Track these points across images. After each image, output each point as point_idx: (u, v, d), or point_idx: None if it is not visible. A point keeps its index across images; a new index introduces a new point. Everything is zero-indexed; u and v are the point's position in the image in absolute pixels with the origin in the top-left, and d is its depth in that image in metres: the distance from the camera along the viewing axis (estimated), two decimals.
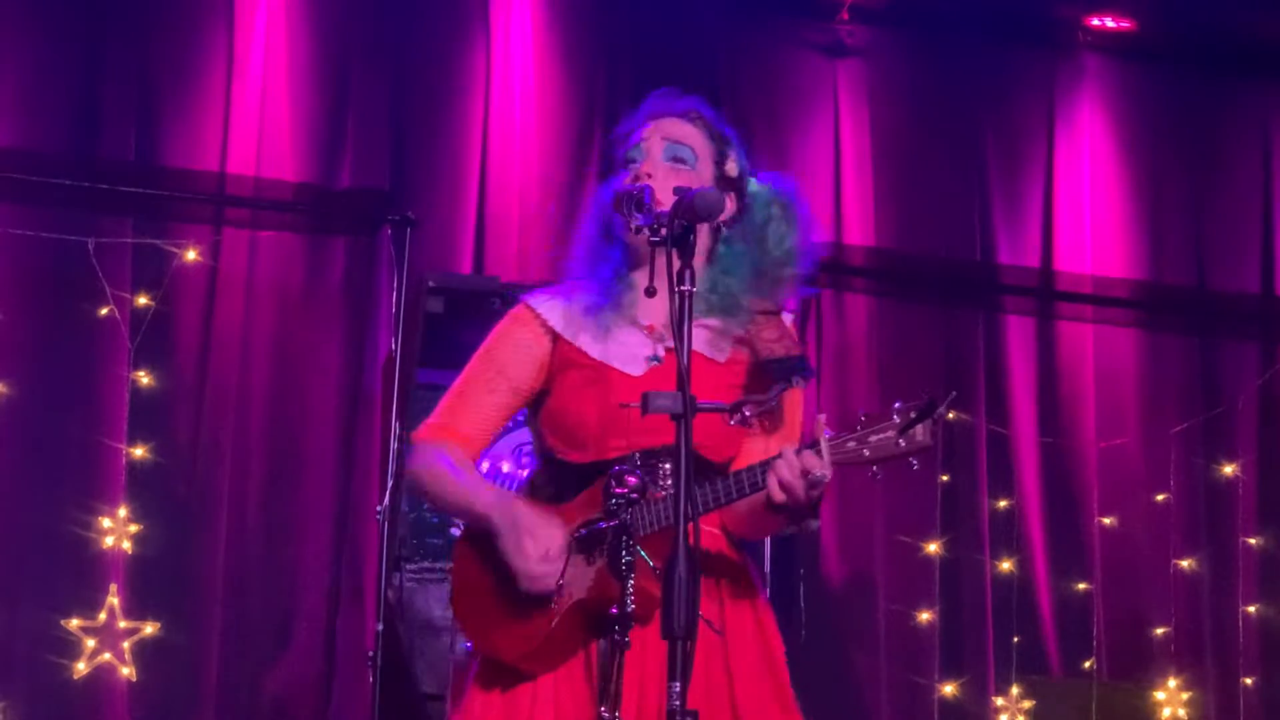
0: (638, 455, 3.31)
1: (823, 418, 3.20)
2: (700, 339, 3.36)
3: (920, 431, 3.14)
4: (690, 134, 3.54)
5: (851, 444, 3.16)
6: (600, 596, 3.20)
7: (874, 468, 3.19)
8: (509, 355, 3.52)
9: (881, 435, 3.15)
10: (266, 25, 6.54)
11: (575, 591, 3.26)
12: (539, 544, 3.23)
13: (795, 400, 3.49)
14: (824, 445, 3.16)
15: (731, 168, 3.57)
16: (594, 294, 3.49)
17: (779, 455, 3.17)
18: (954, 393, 3.22)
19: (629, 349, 3.45)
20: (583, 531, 3.22)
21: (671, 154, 3.50)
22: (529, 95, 6.84)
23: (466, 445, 3.52)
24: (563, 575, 3.24)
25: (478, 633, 3.38)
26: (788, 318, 3.55)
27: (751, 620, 3.42)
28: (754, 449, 3.40)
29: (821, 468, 3.14)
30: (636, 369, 3.43)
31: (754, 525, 3.43)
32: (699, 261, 3.20)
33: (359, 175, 6.56)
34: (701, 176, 3.49)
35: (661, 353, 3.44)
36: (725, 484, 3.24)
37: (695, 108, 3.58)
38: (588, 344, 3.46)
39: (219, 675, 6.10)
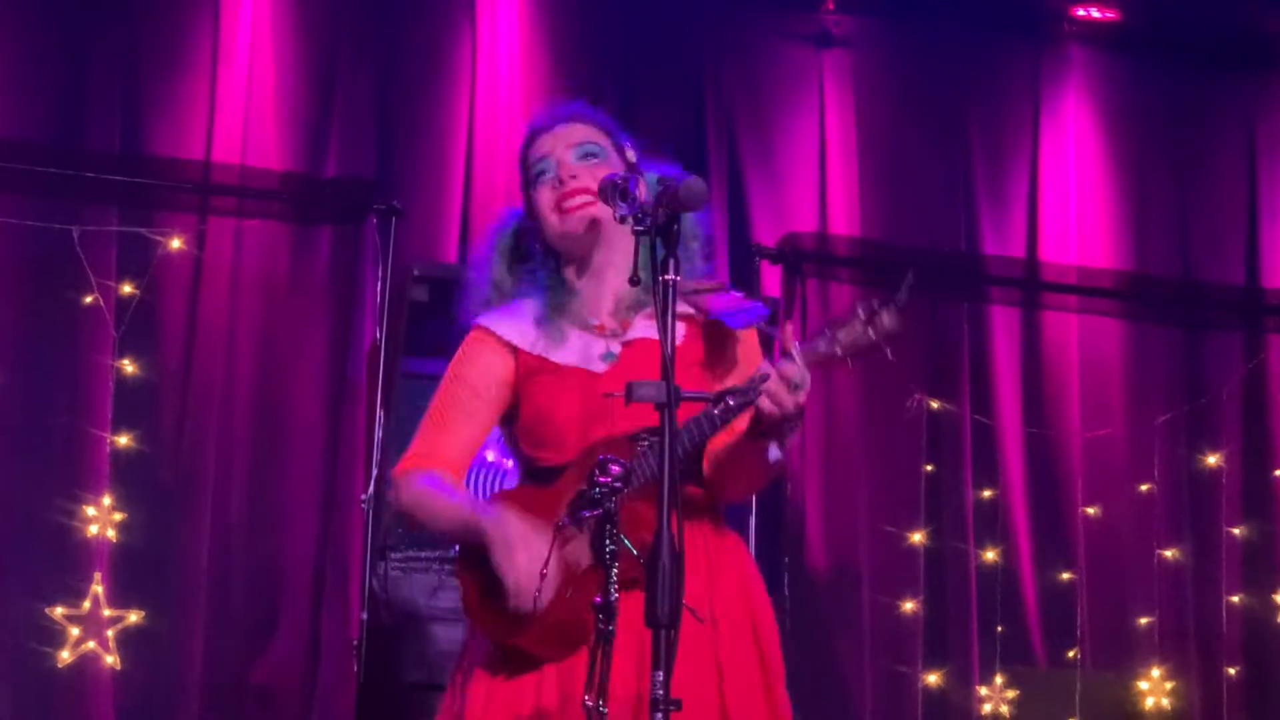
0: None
1: (790, 327, 3.25)
2: (648, 326, 3.47)
3: (886, 318, 3.21)
4: (588, 133, 3.64)
5: (823, 345, 3.22)
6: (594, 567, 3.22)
7: (849, 362, 3.24)
8: (478, 376, 3.59)
9: (849, 331, 3.22)
10: (252, 13, 6.53)
11: (580, 564, 3.29)
12: (532, 558, 3.26)
13: (752, 341, 3.57)
14: (797, 352, 3.20)
15: (631, 154, 3.66)
16: (539, 305, 3.58)
17: (761, 374, 3.21)
18: (912, 278, 3.25)
19: (585, 349, 3.52)
20: (565, 521, 3.23)
21: (582, 153, 3.60)
22: (514, 85, 6.84)
23: (451, 470, 3.58)
24: (540, 589, 3.25)
25: (490, 624, 3.39)
26: (737, 294, 3.59)
27: (743, 607, 3.43)
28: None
29: (800, 371, 3.18)
30: (598, 368, 3.50)
31: (738, 466, 3.44)
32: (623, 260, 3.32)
33: (345, 164, 6.56)
34: (614, 165, 3.58)
35: (617, 349, 3.52)
36: (710, 413, 3.27)
37: (578, 110, 3.69)
38: (546, 351, 3.53)
39: (203, 663, 6.09)
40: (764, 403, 3.20)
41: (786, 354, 3.22)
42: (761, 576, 3.59)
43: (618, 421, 3.36)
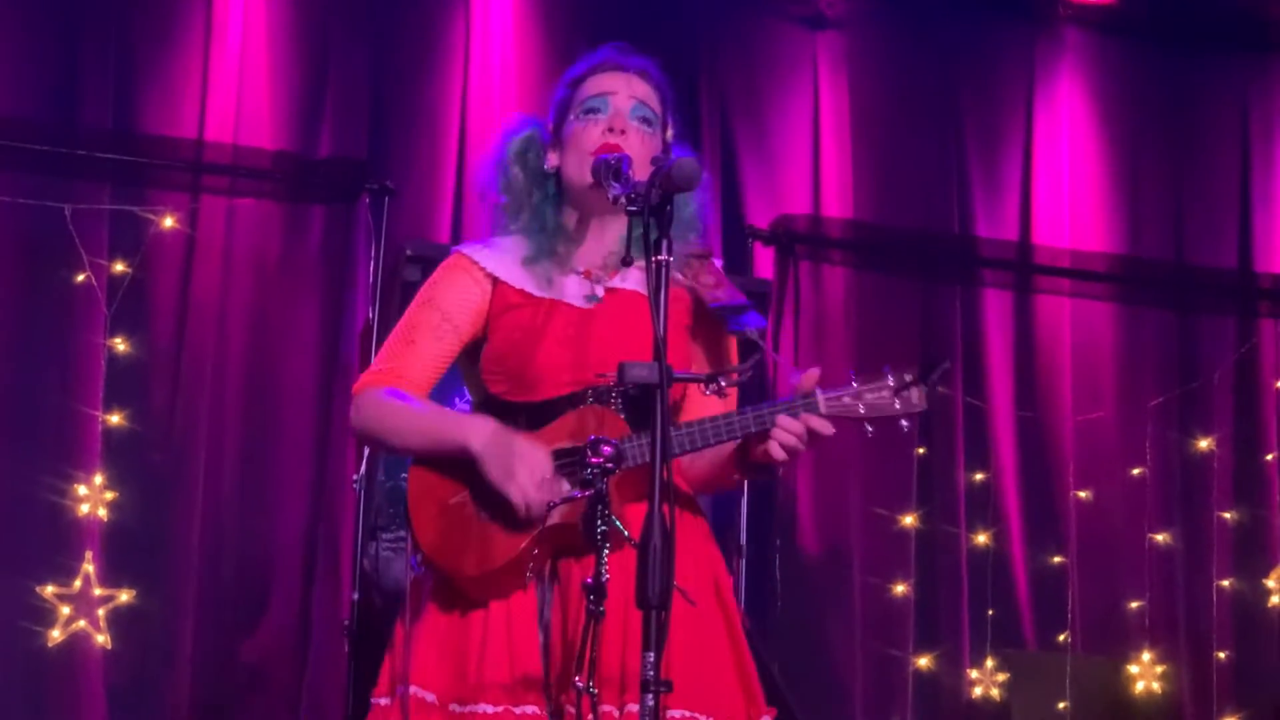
0: (590, 392, 3.33)
1: (816, 372, 3.24)
2: (637, 279, 3.43)
3: (915, 395, 3.25)
4: (650, 95, 3.58)
5: (848, 399, 3.25)
6: (563, 524, 3.23)
7: (867, 425, 3.26)
8: (451, 301, 3.52)
9: (877, 395, 3.26)
10: None
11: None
12: (532, 470, 3.23)
13: (732, 344, 3.56)
14: (820, 400, 3.22)
15: (670, 132, 3.61)
16: (528, 247, 3.51)
17: (774, 415, 3.21)
18: (948, 363, 3.28)
19: (569, 288, 3.48)
20: (557, 502, 3.22)
21: (639, 114, 3.53)
22: (508, 64, 6.83)
23: (414, 390, 3.49)
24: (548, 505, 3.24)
25: (435, 550, 3.35)
26: (717, 262, 3.57)
27: (708, 582, 3.42)
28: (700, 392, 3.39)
29: (827, 428, 3.23)
30: (580, 304, 3.46)
31: (715, 480, 3.46)
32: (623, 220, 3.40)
33: (338, 144, 6.55)
34: (659, 140, 3.55)
35: (600, 292, 3.48)
36: (715, 427, 3.26)
37: (650, 67, 3.62)
38: (529, 286, 3.48)
39: (194, 643, 6.09)
40: (776, 450, 3.22)
41: (809, 398, 3.24)
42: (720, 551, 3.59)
43: (584, 367, 3.35)
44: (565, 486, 3.25)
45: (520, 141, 3.63)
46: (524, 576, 3.29)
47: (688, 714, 3.25)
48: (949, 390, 7.18)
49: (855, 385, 3.24)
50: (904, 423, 3.27)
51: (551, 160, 3.58)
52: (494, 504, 3.29)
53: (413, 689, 3.31)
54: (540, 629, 3.25)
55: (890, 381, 3.24)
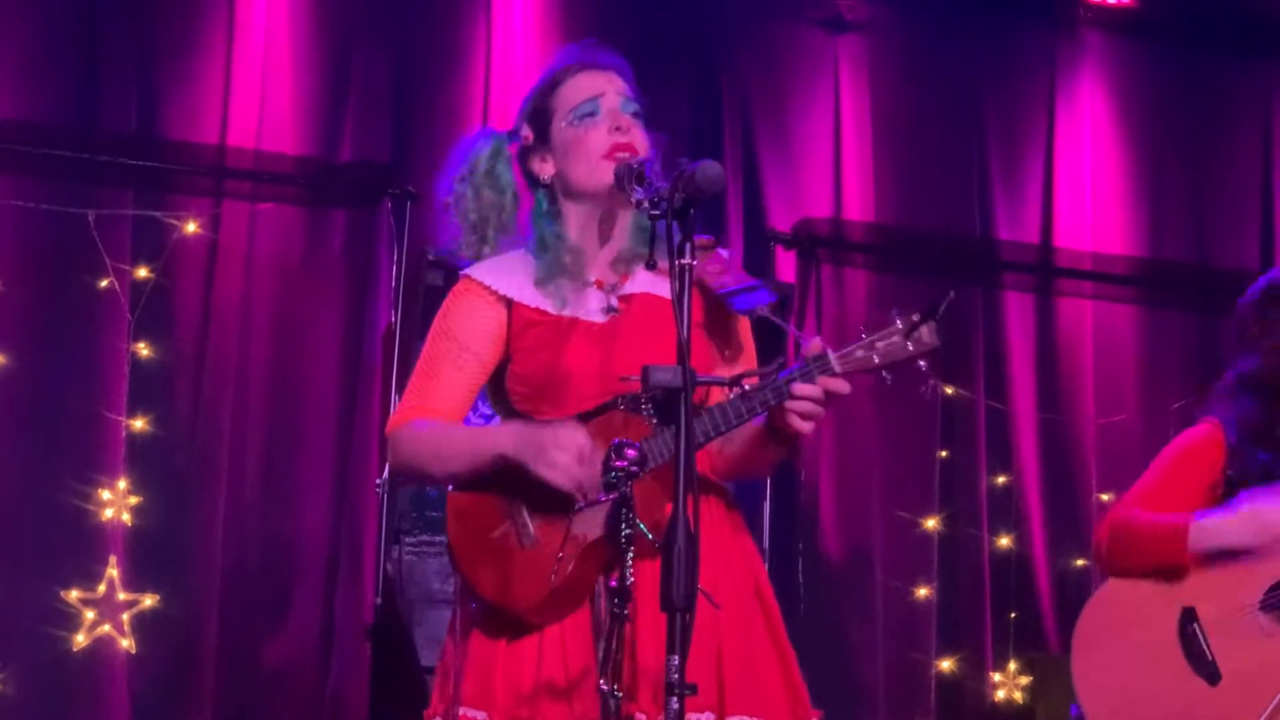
0: (620, 401, 3.31)
1: (819, 340, 3.24)
2: (648, 280, 3.42)
3: (926, 333, 3.24)
4: (630, 90, 3.57)
5: (860, 352, 3.23)
6: (606, 538, 3.21)
7: (884, 373, 3.26)
8: (468, 330, 3.50)
9: (888, 340, 3.23)
10: None
11: (585, 536, 3.26)
12: (568, 452, 3.21)
13: (747, 328, 3.55)
14: (833, 359, 3.20)
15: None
16: (537, 269, 3.49)
17: (787, 382, 3.20)
18: (952, 293, 3.26)
19: (585, 303, 3.46)
20: (582, 504, 3.21)
21: (631, 110, 3.53)
22: (529, 68, 6.82)
23: (444, 420, 3.48)
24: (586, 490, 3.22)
25: (485, 585, 3.33)
26: (724, 253, 3.54)
27: (750, 587, 3.42)
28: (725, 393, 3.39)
29: (843, 387, 3.22)
30: (598, 319, 3.45)
31: (749, 461, 3.45)
32: (627, 212, 3.40)
33: (360, 148, 6.55)
34: (645, 132, 3.53)
35: (615, 303, 3.46)
36: (734, 407, 3.25)
37: (623, 64, 3.61)
38: (544, 304, 3.46)
39: (218, 647, 6.09)
40: (796, 421, 3.21)
41: (821, 359, 3.21)
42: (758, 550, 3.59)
43: (610, 377, 3.33)
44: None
45: (488, 156, 3.64)
46: (576, 596, 3.29)
47: None
48: (971, 393, 7.19)
49: (865, 337, 3.23)
50: (921, 363, 3.26)
51: (545, 170, 3.56)
52: (537, 525, 3.29)
53: (463, 710, 3.31)
54: (597, 645, 3.22)
55: (899, 325, 3.23)
